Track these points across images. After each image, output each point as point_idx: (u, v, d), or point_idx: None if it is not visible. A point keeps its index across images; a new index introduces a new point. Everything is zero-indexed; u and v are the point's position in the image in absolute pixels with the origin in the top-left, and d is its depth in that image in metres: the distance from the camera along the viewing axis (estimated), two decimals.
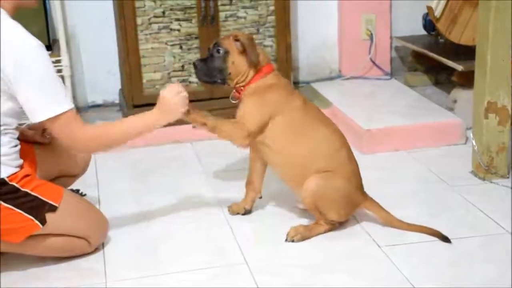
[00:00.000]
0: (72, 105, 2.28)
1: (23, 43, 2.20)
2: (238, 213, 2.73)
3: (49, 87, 2.23)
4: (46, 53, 2.24)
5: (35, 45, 2.21)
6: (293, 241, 2.52)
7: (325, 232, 2.55)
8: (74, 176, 2.72)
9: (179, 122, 3.68)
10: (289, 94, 2.55)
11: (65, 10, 3.71)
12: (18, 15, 2.29)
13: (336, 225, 2.57)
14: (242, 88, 2.54)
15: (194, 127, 2.54)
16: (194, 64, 2.60)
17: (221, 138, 2.53)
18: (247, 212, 2.72)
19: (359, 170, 2.58)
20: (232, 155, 3.25)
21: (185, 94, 2.42)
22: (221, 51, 2.51)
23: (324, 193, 2.48)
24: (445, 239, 2.47)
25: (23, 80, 2.19)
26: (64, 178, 2.65)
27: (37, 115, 2.24)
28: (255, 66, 2.52)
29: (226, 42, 2.53)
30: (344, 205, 2.52)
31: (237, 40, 2.51)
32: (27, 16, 2.20)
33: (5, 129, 2.28)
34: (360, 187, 2.57)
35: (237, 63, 2.51)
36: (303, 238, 2.53)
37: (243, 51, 2.50)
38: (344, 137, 2.59)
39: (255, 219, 2.71)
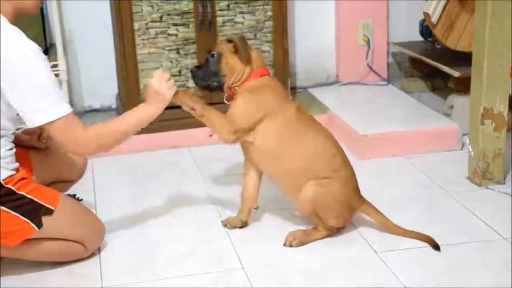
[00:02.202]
0: (70, 109, 2.29)
1: (19, 48, 2.19)
2: (235, 227, 2.67)
3: (47, 91, 2.22)
4: (43, 57, 2.24)
5: (30, 50, 2.20)
6: (291, 246, 2.52)
7: (323, 238, 2.55)
8: (71, 182, 2.72)
9: (177, 127, 3.66)
10: (283, 99, 2.55)
11: (62, 14, 3.71)
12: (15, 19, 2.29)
13: (334, 231, 2.57)
14: (236, 87, 2.54)
15: (183, 110, 2.52)
16: (191, 71, 2.62)
17: (209, 127, 2.52)
18: (244, 225, 2.68)
19: (354, 174, 2.58)
20: (230, 161, 3.25)
21: (171, 80, 2.44)
22: (215, 55, 2.53)
23: (322, 199, 2.48)
24: (436, 247, 2.46)
25: (20, 85, 2.19)
26: (60, 183, 2.65)
27: (35, 120, 2.24)
28: (249, 64, 2.52)
29: (219, 45, 2.58)
30: (342, 210, 2.52)
31: (229, 41, 2.54)
32: (24, 20, 2.21)
33: (2, 133, 2.28)
34: (357, 190, 2.57)
35: (231, 63, 2.52)
36: (301, 243, 2.53)
37: (236, 51, 2.52)
38: (337, 143, 2.59)
39: (252, 224, 2.70)
